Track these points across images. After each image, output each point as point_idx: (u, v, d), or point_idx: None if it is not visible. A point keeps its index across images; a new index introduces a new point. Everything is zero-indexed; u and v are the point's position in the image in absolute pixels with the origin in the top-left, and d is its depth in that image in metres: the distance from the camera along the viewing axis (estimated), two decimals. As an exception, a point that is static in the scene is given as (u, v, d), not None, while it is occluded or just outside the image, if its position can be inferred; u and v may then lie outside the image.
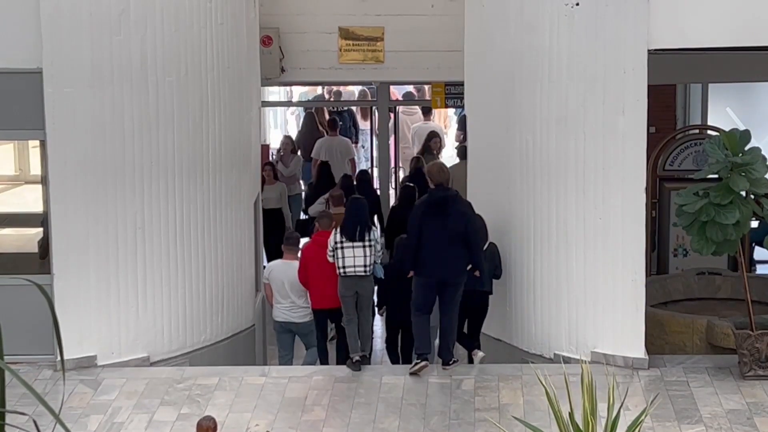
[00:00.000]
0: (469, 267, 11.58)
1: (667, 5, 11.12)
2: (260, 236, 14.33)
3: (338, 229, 12.00)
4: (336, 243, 11.88)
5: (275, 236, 15.25)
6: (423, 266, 11.54)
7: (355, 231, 11.89)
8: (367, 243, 11.87)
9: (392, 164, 19.28)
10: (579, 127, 11.46)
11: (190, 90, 11.86)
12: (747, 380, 11.16)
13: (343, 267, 11.85)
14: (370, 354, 12.41)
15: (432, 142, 19.58)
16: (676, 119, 17.96)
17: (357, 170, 19.00)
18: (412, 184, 16.35)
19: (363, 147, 21.71)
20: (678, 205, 11.25)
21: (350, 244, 11.85)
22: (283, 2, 16.49)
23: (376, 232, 12.19)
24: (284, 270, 12.71)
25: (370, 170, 19.60)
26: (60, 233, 11.46)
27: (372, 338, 12.68)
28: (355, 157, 20.11)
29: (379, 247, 12.07)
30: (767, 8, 11.09)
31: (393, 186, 19.10)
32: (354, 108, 22.22)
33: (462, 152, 17.40)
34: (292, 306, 12.72)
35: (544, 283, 11.84)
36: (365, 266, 11.86)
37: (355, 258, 11.85)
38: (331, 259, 11.96)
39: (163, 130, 11.66)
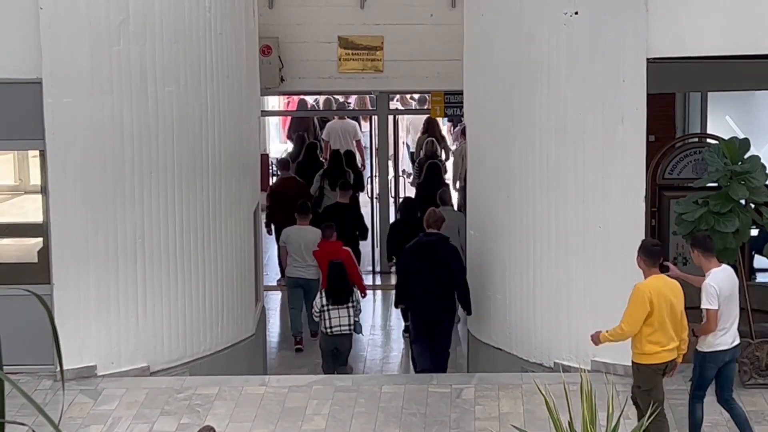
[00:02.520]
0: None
1: (666, 14, 11.13)
2: (260, 245, 14.35)
3: (323, 292, 13.37)
4: (323, 306, 13.27)
5: None
6: (413, 305, 13.02)
7: (339, 295, 13.27)
8: (350, 305, 13.30)
9: (392, 173, 19.27)
10: (578, 136, 11.46)
11: (189, 100, 11.87)
12: (747, 388, 11.16)
13: (330, 327, 13.26)
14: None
15: (432, 126, 21.02)
16: (676, 128, 17.94)
17: (363, 152, 21.22)
18: (433, 161, 18.69)
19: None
20: (677, 214, 11.25)
21: (335, 306, 13.24)
22: (282, 12, 16.52)
23: (357, 293, 13.58)
24: (300, 234, 15.08)
25: (370, 177, 19.83)
26: (60, 243, 11.46)
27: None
28: (362, 139, 21.55)
29: (360, 306, 13.48)
30: (766, 16, 11.10)
31: (393, 195, 19.06)
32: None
33: (464, 131, 18.65)
34: (306, 265, 14.99)
35: (544, 292, 11.84)
36: (349, 325, 13.32)
37: (340, 318, 13.26)
38: (317, 320, 13.45)
39: (162, 140, 11.67)
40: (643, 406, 9.34)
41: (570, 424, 7.21)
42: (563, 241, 11.63)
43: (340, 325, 13.26)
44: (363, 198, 19.46)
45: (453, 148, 21.08)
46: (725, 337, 9.74)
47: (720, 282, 9.68)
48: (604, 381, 10.08)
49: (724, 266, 9.89)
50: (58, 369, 11.09)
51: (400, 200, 18.16)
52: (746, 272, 12.03)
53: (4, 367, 4.32)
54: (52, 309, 11.05)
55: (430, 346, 12.93)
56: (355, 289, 13.58)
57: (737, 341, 9.86)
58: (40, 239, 11.91)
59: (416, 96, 22.33)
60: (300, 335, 15.48)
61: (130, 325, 11.73)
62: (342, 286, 13.35)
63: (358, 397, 11.16)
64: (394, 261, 15.23)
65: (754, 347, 11.16)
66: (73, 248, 11.46)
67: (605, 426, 7.31)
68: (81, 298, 11.52)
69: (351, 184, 17.35)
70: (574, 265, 11.57)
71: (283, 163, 18.26)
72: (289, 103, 23.17)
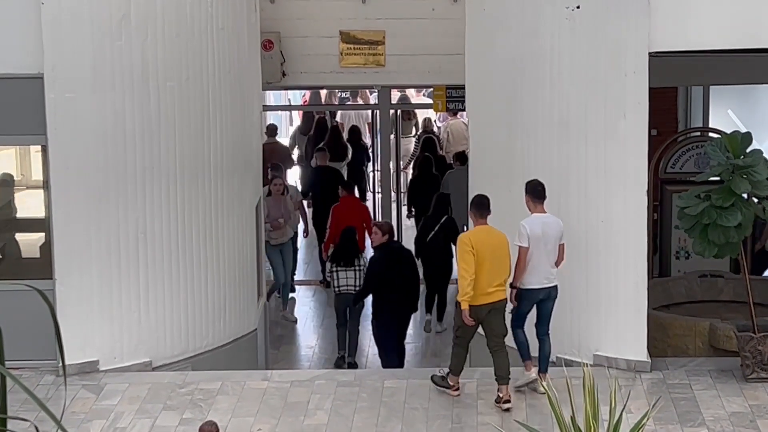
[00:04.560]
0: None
1: (668, 8, 11.12)
2: (262, 240, 14.36)
3: (331, 255, 14.61)
4: (331, 267, 14.50)
5: None
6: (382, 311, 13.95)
7: (347, 257, 14.39)
8: (357, 267, 14.39)
9: (393, 167, 19.28)
10: (580, 131, 11.46)
11: (191, 95, 11.86)
12: (749, 383, 11.16)
13: (338, 287, 14.48)
14: (355, 356, 14.89)
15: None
16: (678, 122, 17.96)
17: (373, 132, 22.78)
18: (428, 136, 21.22)
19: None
20: (680, 208, 11.25)
21: (344, 268, 14.37)
22: (284, 6, 16.49)
23: (365, 257, 14.73)
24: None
25: (372, 172, 21.27)
26: (62, 238, 11.46)
27: (357, 348, 15.02)
28: (370, 120, 22.64)
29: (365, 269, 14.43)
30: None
31: (394, 189, 19.09)
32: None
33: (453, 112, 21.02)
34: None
35: (546, 287, 11.82)
36: (356, 286, 14.34)
37: (347, 279, 14.39)
38: (329, 279, 14.73)
39: (164, 135, 11.67)
40: (459, 344, 10.80)
41: (572, 418, 7.20)
42: (565, 235, 11.62)
43: (347, 285, 14.41)
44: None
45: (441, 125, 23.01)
46: (537, 277, 10.73)
47: (531, 224, 10.71)
48: (607, 375, 10.10)
49: (547, 214, 10.84)
50: (61, 364, 11.07)
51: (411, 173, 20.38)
52: (748, 266, 12.01)
53: (6, 363, 4.32)
54: (54, 304, 11.07)
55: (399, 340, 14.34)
56: (362, 254, 14.77)
57: (552, 284, 10.81)
58: (42, 234, 11.92)
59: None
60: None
61: (133, 320, 11.73)
62: (350, 249, 14.50)
63: (360, 392, 11.16)
64: (413, 213, 18.66)
65: (757, 341, 11.15)
66: (75, 243, 11.47)
67: (608, 420, 7.30)
68: (83, 294, 11.53)
69: (325, 149, 19.46)
70: (576, 260, 11.55)
71: (271, 129, 20.30)
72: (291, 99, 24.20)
